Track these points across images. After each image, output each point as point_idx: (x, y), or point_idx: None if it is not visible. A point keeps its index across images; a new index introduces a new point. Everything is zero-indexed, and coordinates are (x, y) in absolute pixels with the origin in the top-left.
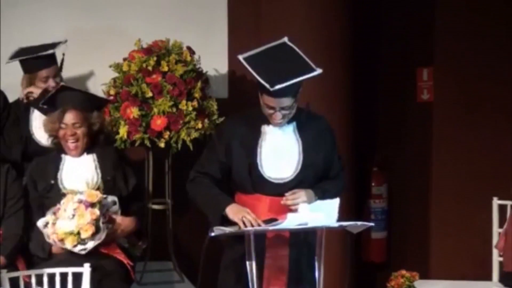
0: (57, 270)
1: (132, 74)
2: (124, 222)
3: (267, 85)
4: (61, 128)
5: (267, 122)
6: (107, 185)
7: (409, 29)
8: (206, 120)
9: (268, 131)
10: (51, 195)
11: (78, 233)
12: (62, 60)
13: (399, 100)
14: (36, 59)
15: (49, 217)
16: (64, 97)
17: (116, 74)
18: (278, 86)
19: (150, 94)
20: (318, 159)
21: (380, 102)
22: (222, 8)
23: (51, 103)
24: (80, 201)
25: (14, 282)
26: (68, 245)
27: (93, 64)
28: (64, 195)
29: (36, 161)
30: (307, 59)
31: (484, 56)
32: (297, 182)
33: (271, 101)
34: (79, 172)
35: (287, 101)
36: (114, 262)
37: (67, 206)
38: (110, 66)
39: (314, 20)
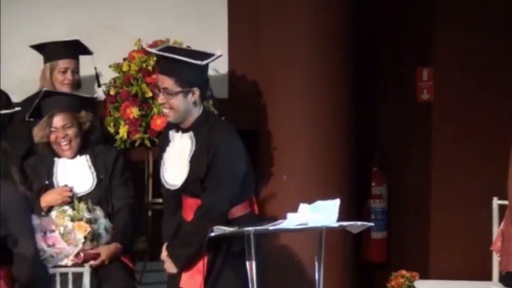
0: (57, 270)
1: (132, 74)
2: (109, 252)
3: (154, 50)
4: (52, 132)
5: (176, 128)
6: (101, 184)
7: (409, 29)
8: None
9: (173, 137)
10: None
11: None
12: (97, 75)
13: (399, 100)
14: (60, 47)
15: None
16: (49, 102)
17: (116, 74)
18: (153, 50)
19: (150, 94)
20: (201, 172)
21: (380, 102)
22: (222, 8)
23: (37, 113)
24: (70, 232)
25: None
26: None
27: (93, 64)
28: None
29: (27, 163)
30: (211, 58)
31: (484, 56)
32: (191, 190)
33: (158, 78)
34: (74, 174)
35: (168, 82)
36: (116, 263)
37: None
38: (110, 66)
39: (314, 20)
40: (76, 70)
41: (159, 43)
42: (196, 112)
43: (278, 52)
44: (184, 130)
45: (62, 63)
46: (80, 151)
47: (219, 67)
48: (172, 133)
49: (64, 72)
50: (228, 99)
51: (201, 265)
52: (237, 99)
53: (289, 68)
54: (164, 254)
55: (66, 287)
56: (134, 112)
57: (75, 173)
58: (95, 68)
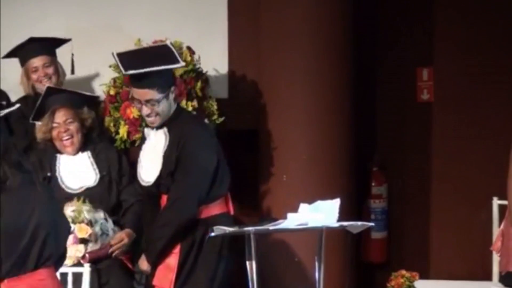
0: None
1: None
2: (130, 236)
3: (122, 69)
4: (54, 128)
5: (147, 124)
6: (103, 180)
7: (409, 29)
8: (206, 120)
9: (148, 134)
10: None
11: None
12: (72, 61)
13: (399, 100)
14: (26, 48)
15: None
16: (51, 99)
17: (116, 74)
18: (131, 72)
19: None
20: (172, 166)
21: (380, 102)
22: (222, 8)
23: (41, 113)
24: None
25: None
26: None
27: (93, 64)
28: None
29: (31, 156)
30: (177, 55)
31: (484, 56)
32: (161, 186)
33: (135, 92)
34: (76, 171)
35: (150, 93)
36: (116, 263)
37: None
38: (110, 66)
39: (314, 20)
40: (47, 65)
41: (159, 43)
42: (173, 108)
43: (278, 52)
44: (159, 127)
45: (32, 63)
46: (82, 148)
47: (219, 67)
48: (147, 131)
49: (36, 70)
50: (228, 99)
51: (173, 263)
52: (237, 99)
53: (289, 68)
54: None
55: (66, 287)
56: (134, 112)
57: (77, 168)
58: (72, 54)
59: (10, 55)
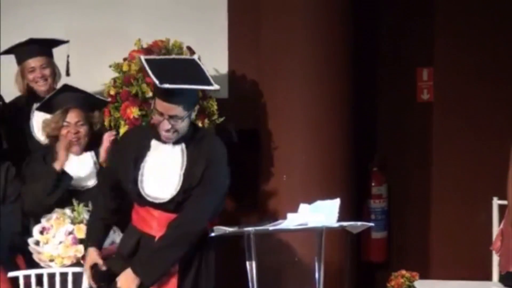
0: (57, 270)
1: (132, 74)
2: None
3: (156, 81)
4: (64, 126)
5: (159, 137)
6: None
7: (409, 29)
8: (206, 120)
9: (156, 146)
10: None
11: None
12: (68, 63)
13: (399, 100)
14: (24, 48)
15: (40, 236)
16: (66, 96)
17: (116, 74)
18: (167, 85)
19: (150, 94)
20: (197, 185)
21: (380, 102)
22: (222, 8)
23: (48, 106)
24: (70, 233)
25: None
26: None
27: (93, 64)
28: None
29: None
30: (208, 75)
31: (484, 56)
32: (175, 204)
33: (161, 105)
34: (79, 169)
35: (177, 110)
36: None
37: (56, 231)
38: (110, 66)
39: (314, 20)
40: (45, 66)
41: (159, 43)
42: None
43: (278, 52)
44: (176, 142)
45: (29, 63)
46: (86, 148)
47: (219, 67)
48: (155, 143)
49: (33, 71)
50: (228, 99)
51: (172, 284)
52: (237, 99)
53: (289, 68)
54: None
55: (66, 287)
56: (134, 112)
57: (81, 167)
58: (68, 56)
59: (7, 52)
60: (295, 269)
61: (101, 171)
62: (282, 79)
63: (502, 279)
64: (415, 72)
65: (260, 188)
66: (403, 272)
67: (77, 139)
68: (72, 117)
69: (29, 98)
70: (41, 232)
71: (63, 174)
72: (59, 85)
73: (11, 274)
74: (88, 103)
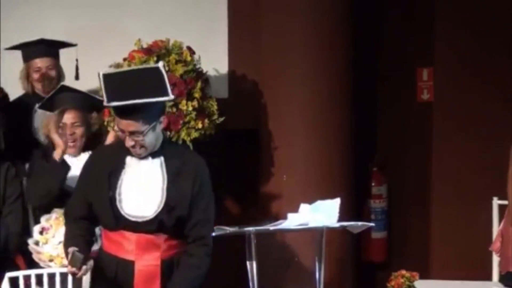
0: (57, 270)
1: None
2: None
3: (105, 99)
4: (60, 127)
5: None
6: None
7: (409, 29)
8: (206, 120)
9: (132, 163)
10: None
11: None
12: (77, 67)
13: (399, 100)
14: (33, 47)
15: (40, 237)
16: (63, 97)
17: None
18: (114, 103)
19: None
20: (184, 201)
21: (380, 102)
22: (222, 8)
23: (49, 105)
24: None
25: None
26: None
27: (93, 64)
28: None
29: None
30: (167, 84)
31: (484, 56)
32: (158, 223)
33: (119, 122)
34: (77, 170)
35: (135, 125)
36: None
37: (56, 231)
38: (110, 66)
39: (314, 20)
40: (51, 67)
41: (159, 43)
42: (161, 138)
43: (278, 52)
44: (153, 156)
45: (36, 62)
46: (84, 148)
47: (219, 67)
48: (131, 159)
49: (38, 71)
50: (228, 99)
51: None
52: (237, 99)
53: (289, 68)
54: None
55: (66, 287)
56: None
57: (79, 168)
58: (76, 60)
59: (15, 47)
60: (296, 269)
61: (65, 205)
62: (282, 79)
63: (502, 279)
64: (415, 72)
65: (260, 188)
66: (403, 272)
67: (73, 140)
68: (69, 118)
69: (32, 97)
70: (41, 232)
71: (63, 164)
72: None
73: (11, 274)
74: (87, 103)
